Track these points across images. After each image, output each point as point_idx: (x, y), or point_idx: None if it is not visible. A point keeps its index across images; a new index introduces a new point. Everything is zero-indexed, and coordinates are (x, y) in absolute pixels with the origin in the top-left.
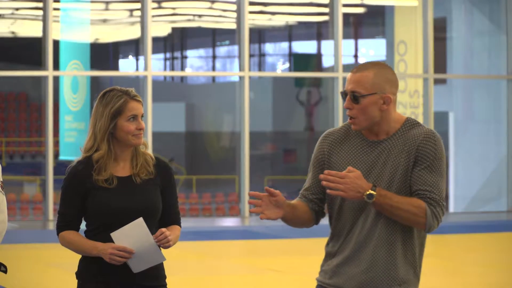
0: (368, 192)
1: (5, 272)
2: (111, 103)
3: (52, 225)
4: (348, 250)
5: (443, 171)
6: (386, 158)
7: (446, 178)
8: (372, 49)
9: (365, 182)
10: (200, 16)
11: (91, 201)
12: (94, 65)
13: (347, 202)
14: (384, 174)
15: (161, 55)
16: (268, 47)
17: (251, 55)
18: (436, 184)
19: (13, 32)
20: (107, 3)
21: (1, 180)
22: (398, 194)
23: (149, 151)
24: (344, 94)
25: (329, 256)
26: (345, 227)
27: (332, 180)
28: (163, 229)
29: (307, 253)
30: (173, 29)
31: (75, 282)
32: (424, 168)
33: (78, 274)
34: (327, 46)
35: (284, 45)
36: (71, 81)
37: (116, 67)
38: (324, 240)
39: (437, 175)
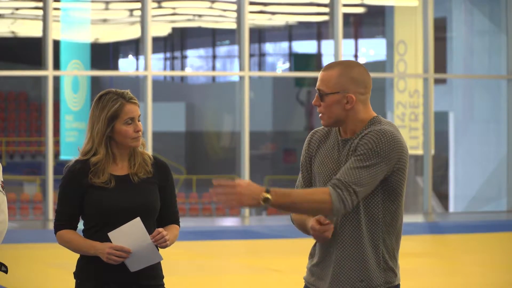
0: (263, 197)
1: (6, 272)
2: (107, 107)
3: (52, 225)
4: (321, 249)
5: (374, 165)
6: (349, 157)
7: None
8: (372, 49)
9: (258, 187)
10: (200, 16)
11: (88, 200)
12: (94, 64)
13: None
14: None
15: (161, 55)
16: (268, 47)
17: (251, 55)
18: (354, 172)
19: (13, 32)
20: (107, 3)
21: (2, 180)
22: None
23: (149, 151)
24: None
25: (310, 255)
26: None
27: (224, 192)
28: (160, 229)
29: (307, 253)
30: (173, 29)
31: (74, 281)
32: (351, 161)
33: (76, 274)
34: (327, 46)
35: (284, 45)
36: (71, 81)
37: (116, 67)
38: None
39: (361, 164)
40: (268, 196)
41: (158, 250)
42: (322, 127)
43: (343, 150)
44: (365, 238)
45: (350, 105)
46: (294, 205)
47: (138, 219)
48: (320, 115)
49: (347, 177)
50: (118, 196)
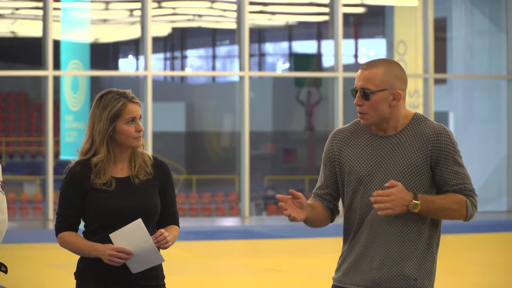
0: (412, 203)
1: (6, 272)
2: (109, 106)
3: (52, 225)
4: (360, 247)
5: (463, 161)
6: (394, 153)
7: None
8: (372, 49)
9: (407, 193)
10: (200, 16)
11: (89, 202)
12: (94, 65)
13: (356, 199)
14: (394, 168)
15: (161, 55)
16: (268, 47)
17: (251, 55)
18: (466, 175)
19: (13, 32)
20: (107, 3)
21: (1, 180)
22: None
23: (149, 151)
24: (354, 91)
25: (342, 253)
26: (354, 224)
27: (380, 200)
28: (162, 230)
29: (307, 253)
30: (173, 29)
31: (74, 282)
32: (450, 165)
33: (77, 275)
34: (327, 46)
35: (284, 45)
36: (71, 81)
37: (116, 67)
38: (324, 240)
39: (461, 166)
40: (417, 202)
41: (160, 251)
42: (345, 126)
43: (382, 146)
44: (422, 236)
45: (397, 101)
46: (436, 211)
47: (139, 220)
48: (360, 114)
49: (467, 181)
50: (119, 198)
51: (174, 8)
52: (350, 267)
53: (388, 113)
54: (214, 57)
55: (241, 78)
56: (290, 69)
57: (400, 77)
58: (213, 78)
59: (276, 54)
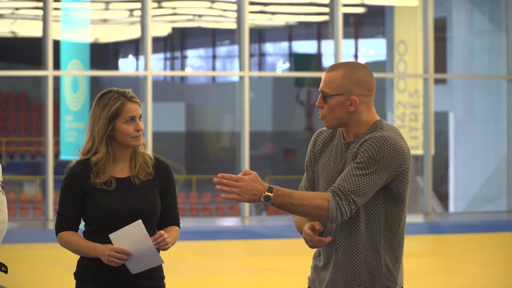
0: (264, 194)
1: (6, 272)
2: (108, 105)
3: (52, 225)
4: (324, 252)
5: (373, 173)
6: (346, 161)
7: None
8: (372, 49)
9: (262, 184)
10: (200, 16)
11: (90, 202)
12: (94, 65)
13: None
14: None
15: (161, 55)
16: (268, 47)
17: (251, 55)
18: (355, 182)
19: (13, 32)
20: (107, 3)
21: (1, 180)
22: None
23: (149, 151)
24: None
25: (314, 256)
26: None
27: (226, 183)
28: (162, 232)
29: (307, 253)
30: (173, 29)
31: (74, 282)
32: (352, 167)
33: (76, 275)
34: (327, 46)
35: (284, 45)
36: (71, 81)
37: (116, 67)
38: None
39: (361, 172)
40: (270, 194)
41: (160, 253)
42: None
43: (345, 153)
44: (365, 242)
45: (354, 107)
46: (293, 207)
47: (139, 221)
48: (321, 117)
49: (346, 185)
50: (119, 198)
51: (174, 8)
52: (314, 269)
53: (346, 118)
54: (214, 57)
55: (241, 78)
56: (290, 69)
57: (361, 83)
58: (213, 78)
59: (276, 54)
